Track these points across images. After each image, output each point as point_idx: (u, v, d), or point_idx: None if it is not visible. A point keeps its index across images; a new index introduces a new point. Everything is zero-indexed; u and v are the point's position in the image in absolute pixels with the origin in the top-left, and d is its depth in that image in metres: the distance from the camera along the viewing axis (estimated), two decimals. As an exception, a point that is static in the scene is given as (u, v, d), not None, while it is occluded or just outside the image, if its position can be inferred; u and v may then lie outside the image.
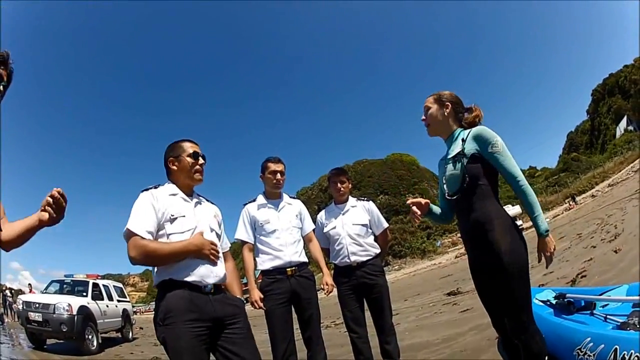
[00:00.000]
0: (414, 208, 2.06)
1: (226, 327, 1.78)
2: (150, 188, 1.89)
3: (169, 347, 1.67)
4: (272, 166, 2.80)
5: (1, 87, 1.45)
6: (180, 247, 1.76)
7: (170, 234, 1.80)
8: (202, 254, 1.80)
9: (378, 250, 2.98)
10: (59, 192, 1.38)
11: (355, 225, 2.97)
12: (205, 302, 1.75)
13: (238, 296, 2.01)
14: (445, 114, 2.01)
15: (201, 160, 1.94)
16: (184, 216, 1.84)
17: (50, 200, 1.38)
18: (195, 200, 1.97)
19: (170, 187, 1.93)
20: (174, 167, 1.93)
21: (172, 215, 1.82)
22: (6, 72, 1.48)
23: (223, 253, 2.02)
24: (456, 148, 1.94)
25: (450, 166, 1.95)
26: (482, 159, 1.85)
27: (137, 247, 1.70)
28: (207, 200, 2.09)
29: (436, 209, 2.17)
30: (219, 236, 2.00)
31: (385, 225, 3.12)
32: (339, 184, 3.04)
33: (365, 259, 2.89)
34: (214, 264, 1.85)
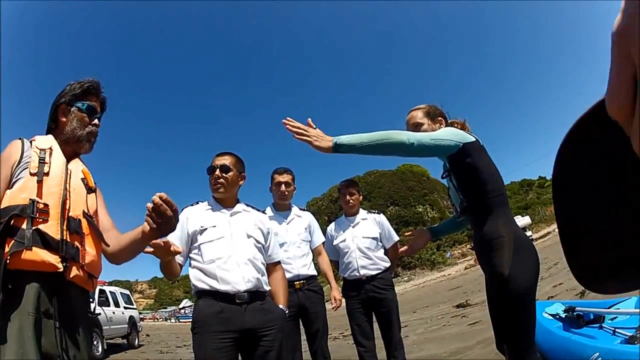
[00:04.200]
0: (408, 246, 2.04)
1: (261, 339, 1.78)
2: (187, 206, 2.00)
3: (195, 355, 1.76)
4: (277, 177, 2.80)
5: (96, 119, 1.42)
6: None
7: (201, 244, 1.88)
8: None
9: (388, 264, 2.94)
10: (160, 197, 1.18)
11: (366, 238, 2.92)
12: (235, 312, 1.76)
13: (281, 306, 2.00)
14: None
15: (217, 173, 1.94)
16: (214, 226, 1.90)
17: (150, 206, 1.19)
18: (231, 210, 2.00)
19: (207, 203, 2.04)
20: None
21: (202, 227, 1.91)
22: (99, 102, 1.45)
23: (272, 263, 2.07)
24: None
25: (450, 185, 1.79)
26: (464, 166, 1.64)
27: None
28: (255, 209, 2.11)
29: (442, 227, 2.12)
30: (261, 245, 1.99)
31: (396, 238, 3.05)
32: (348, 196, 3.00)
33: (374, 272, 2.85)
34: (242, 270, 1.82)
